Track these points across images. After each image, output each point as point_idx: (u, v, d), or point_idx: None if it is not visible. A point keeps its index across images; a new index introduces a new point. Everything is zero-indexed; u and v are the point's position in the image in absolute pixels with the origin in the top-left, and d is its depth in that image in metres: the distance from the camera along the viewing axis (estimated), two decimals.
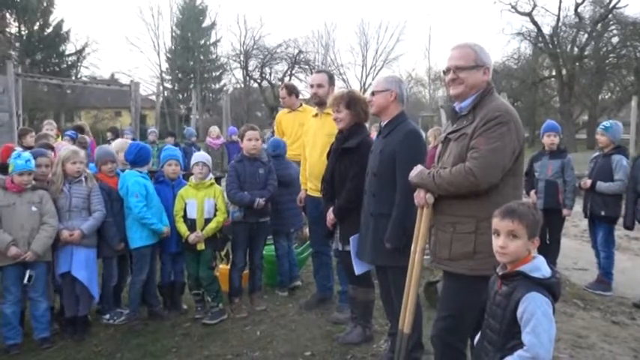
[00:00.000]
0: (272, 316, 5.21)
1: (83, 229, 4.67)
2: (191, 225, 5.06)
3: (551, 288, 2.38)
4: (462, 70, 3.05)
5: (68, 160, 4.72)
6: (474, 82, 3.05)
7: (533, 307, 2.31)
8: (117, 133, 11.72)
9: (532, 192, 6.33)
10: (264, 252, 5.67)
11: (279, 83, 37.45)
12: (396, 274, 3.62)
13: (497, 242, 2.48)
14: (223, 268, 5.91)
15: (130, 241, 5.01)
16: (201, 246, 5.06)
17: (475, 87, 3.05)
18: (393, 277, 3.74)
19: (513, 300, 2.38)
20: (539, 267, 2.41)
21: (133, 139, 8.79)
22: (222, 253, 5.37)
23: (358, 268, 4.09)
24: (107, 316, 5.08)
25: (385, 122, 3.86)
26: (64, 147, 5.41)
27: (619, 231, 7.31)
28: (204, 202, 5.09)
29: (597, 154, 6.35)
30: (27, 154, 4.62)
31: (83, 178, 4.78)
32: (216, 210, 5.15)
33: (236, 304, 5.34)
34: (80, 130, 9.91)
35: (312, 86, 5.26)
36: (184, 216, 5.10)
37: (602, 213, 6.04)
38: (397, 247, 3.56)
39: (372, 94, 3.87)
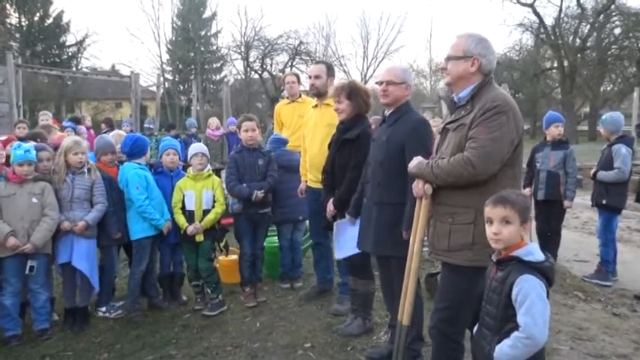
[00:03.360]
0: (272, 308, 5.21)
1: (88, 220, 4.66)
2: (189, 216, 5.05)
3: (544, 272, 2.42)
4: (450, 59, 3.09)
5: (70, 150, 4.70)
6: (458, 73, 3.07)
7: (527, 289, 2.35)
8: (111, 125, 11.64)
9: (527, 189, 6.33)
10: (265, 243, 5.66)
11: (280, 74, 37.36)
12: (399, 264, 3.60)
13: (490, 229, 2.52)
14: (223, 259, 5.90)
15: (130, 232, 5.01)
16: (200, 237, 5.04)
17: (462, 78, 3.07)
18: (396, 267, 3.71)
19: (507, 283, 2.42)
20: (532, 252, 2.45)
21: (131, 131, 8.75)
22: (221, 244, 5.35)
23: (339, 253, 4.08)
24: (104, 309, 5.06)
25: (391, 111, 3.82)
26: (66, 137, 5.39)
27: (621, 223, 7.31)
28: (202, 194, 5.07)
29: (605, 145, 6.34)
30: (27, 145, 4.60)
31: (86, 170, 4.76)
32: (214, 201, 5.13)
33: (247, 293, 5.35)
34: (77, 121, 9.89)
35: (310, 77, 5.23)
36: (182, 207, 5.08)
37: (604, 202, 6.07)
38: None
39: (387, 83, 3.75)
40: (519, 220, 2.48)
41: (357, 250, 4.08)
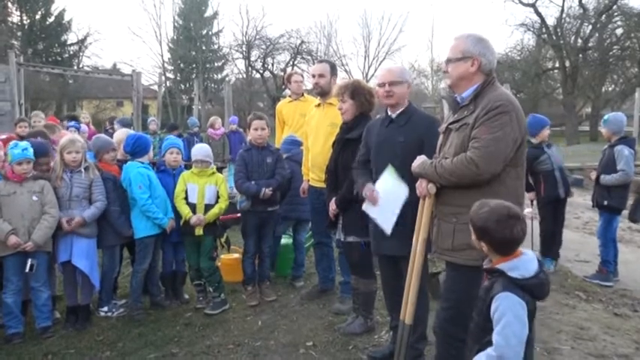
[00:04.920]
0: (273, 306, 5.22)
1: (85, 216, 4.66)
2: (191, 209, 5.04)
3: (530, 289, 2.38)
4: (450, 62, 3.11)
5: (65, 149, 4.70)
6: (459, 74, 3.08)
7: (505, 308, 2.32)
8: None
9: (531, 193, 6.43)
10: None
11: (282, 73, 37.35)
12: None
13: None
14: (224, 258, 5.91)
15: (134, 230, 5.01)
16: (199, 231, 5.03)
17: (463, 78, 3.08)
18: (406, 267, 3.70)
19: (489, 296, 2.41)
20: (518, 266, 2.41)
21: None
22: (222, 240, 5.35)
23: (387, 228, 3.77)
24: (105, 309, 5.06)
25: (399, 112, 3.81)
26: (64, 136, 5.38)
27: (622, 223, 7.31)
28: (205, 188, 5.07)
29: (606, 145, 6.36)
30: (24, 143, 4.60)
31: (83, 169, 4.76)
32: (218, 197, 5.13)
33: (249, 292, 5.36)
34: (76, 119, 9.92)
35: (313, 76, 5.23)
36: (185, 199, 5.07)
37: (605, 203, 6.08)
38: None
39: (390, 84, 3.77)
40: (475, 234, 2.52)
41: (396, 214, 3.73)
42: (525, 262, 2.43)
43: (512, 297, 2.33)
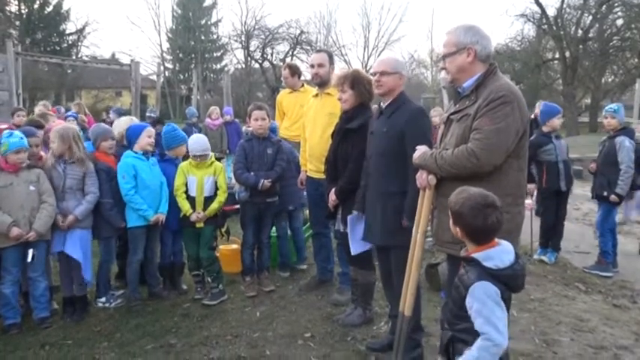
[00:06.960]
0: (272, 298, 5.21)
1: (77, 214, 4.62)
2: (191, 203, 5.01)
3: (503, 279, 2.37)
4: (446, 57, 3.10)
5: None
6: (458, 67, 3.06)
7: (484, 297, 2.32)
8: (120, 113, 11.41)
9: (532, 185, 6.40)
10: None
11: (281, 64, 37.23)
12: (398, 254, 3.59)
13: None
14: (223, 248, 5.89)
15: (126, 221, 4.98)
16: (200, 224, 5.02)
17: (462, 70, 3.06)
18: (395, 257, 3.70)
19: (464, 285, 2.41)
20: (493, 256, 2.40)
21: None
22: (223, 230, 5.33)
23: (354, 249, 4.08)
24: (103, 299, 5.04)
25: (388, 102, 3.81)
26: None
27: (621, 214, 7.30)
28: (203, 180, 5.03)
29: (605, 137, 6.33)
30: (18, 132, 4.56)
31: (76, 159, 4.71)
32: (217, 188, 5.10)
33: (247, 283, 5.35)
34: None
35: (312, 66, 5.19)
36: (185, 192, 5.04)
37: (605, 194, 6.07)
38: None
39: (381, 74, 3.76)
40: (452, 218, 2.51)
41: (369, 246, 4.09)
42: (500, 252, 2.42)
43: (489, 286, 2.33)
